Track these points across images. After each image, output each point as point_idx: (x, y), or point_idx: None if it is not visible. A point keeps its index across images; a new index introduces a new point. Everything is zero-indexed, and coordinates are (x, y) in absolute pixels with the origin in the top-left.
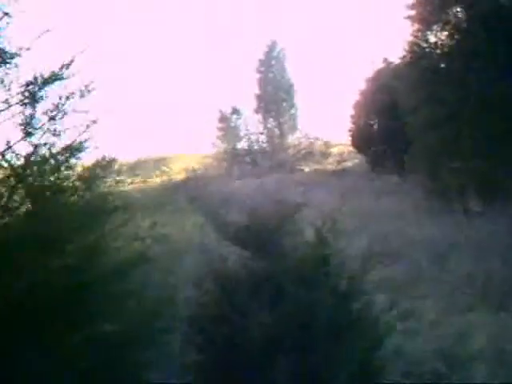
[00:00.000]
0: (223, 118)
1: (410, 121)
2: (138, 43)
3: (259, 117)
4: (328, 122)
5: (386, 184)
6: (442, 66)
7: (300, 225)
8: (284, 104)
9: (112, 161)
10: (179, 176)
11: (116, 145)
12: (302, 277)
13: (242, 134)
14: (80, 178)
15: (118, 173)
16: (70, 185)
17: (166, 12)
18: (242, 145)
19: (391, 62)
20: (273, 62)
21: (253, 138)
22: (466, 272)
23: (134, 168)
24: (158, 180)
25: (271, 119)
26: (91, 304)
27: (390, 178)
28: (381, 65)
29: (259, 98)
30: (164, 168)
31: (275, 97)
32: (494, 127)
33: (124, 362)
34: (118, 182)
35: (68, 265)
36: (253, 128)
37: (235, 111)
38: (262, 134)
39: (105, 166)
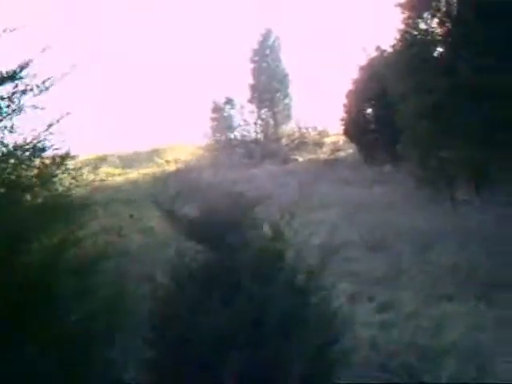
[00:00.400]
0: (216, 109)
1: (399, 109)
2: (131, 35)
3: (253, 107)
4: (323, 111)
5: (377, 174)
6: (432, 54)
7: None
8: (278, 94)
9: (66, 157)
10: (172, 168)
11: (112, 138)
12: (256, 272)
13: (235, 124)
14: (37, 175)
15: (77, 169)
16: (28, 183)
17: (159, 2)
18: (236, 135)
19: (384, 50)
20: (267, 52)
21: (246, 128)
22: (450, 262)
23: (129, 160)
24: (150, 171)
25: (265, 109)
26: (57, 302)
27: (383, 168)
28: (374, 53)
29: (253, 87)
30: (158, 160)
31: (269, 87)
32: (483, 116)
33: (90, 361)
34: (74, 178)
35: (32, 263)
36: (247, 118)
37: (229, 101)
38: (255, 124)
39: (58, 163)
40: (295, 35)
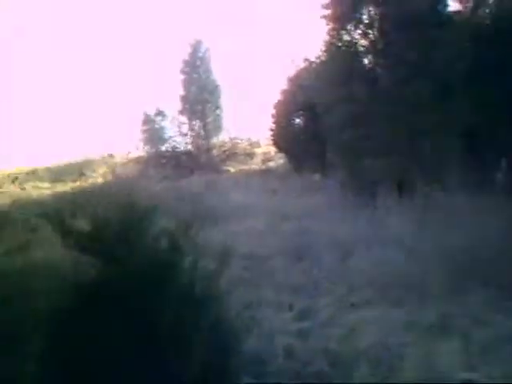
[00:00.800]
0: (147, 120)
1: (325, 119)
2: (61, 45)
3: (184, 118)
4: (255, 121)
5: (306, 183)
6: (356, 65)
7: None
8: (209, 105)
9: None
10: (100, 180)
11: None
12: (143, 284)
13: (166, 135)
14: None
15: None
16: None
17: (91, 12)
18: (167, 147)
19: (312, 62)
20: (198, 63)
21: (177, 139)
22: (368, 268)
23: (59, 173)
24: (78, 185)
25: (197, 120)
26: None
27: (312, 177)
28: (302, 64)
29: (184, 99)
30: (89, 172)
31: (200, 98)
32: (403, 125)
33: None
34: None
35: None
36: (178, 129)
37: (159, 113)
38: (186, 135)
39: None
40: (225, 46)
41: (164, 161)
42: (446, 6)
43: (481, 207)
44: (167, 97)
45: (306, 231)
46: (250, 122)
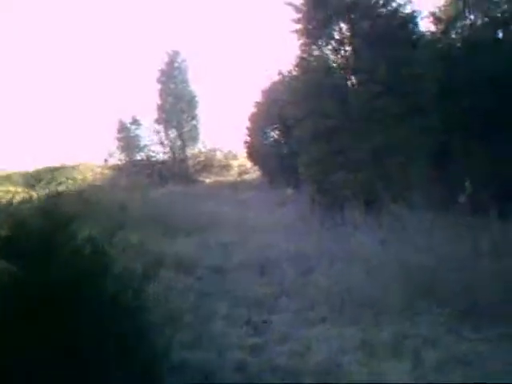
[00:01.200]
0: (122, 128)
1: (296, 133)
2: (39, 49)
3: (160, 127)
4: (232, 133)
5: (279, 197)
6: (326, 80)
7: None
8: (185, 115)
9: None
10: (72, 187)
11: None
12: (62, 295)
13: (141, 144)
14: None
15: None
16: None
17: (73, 17)
18: (142, 155)
19: (285, 75)
20: (175, 73)
21: (152, 148)
22: (329, 285)
23: (33, 178)
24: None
25: (173, 130)
26: None
27: (285, 191)
28: (276, 77)
29: (160, 108)
30: (62, 179)
31: (176, 108)
32: (371, 141)
33: None
34: None
35: None
36: (153, 138)
37: (135, 121)
38: (162, 144)
39: None
40: (202, 57)
41: (138, 169)
42: (416, 25)
43: (445, 226)
44: (143, 106)
45: (272, 245)
46: (227, 134)
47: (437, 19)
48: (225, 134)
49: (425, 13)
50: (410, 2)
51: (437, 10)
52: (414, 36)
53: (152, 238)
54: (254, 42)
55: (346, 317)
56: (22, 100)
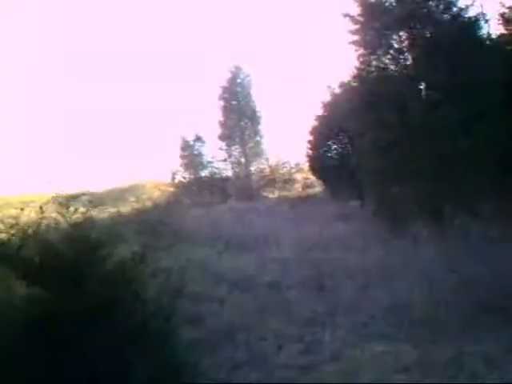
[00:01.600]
0: (186, 146)
1: (357, 146)
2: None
3: (223, 144)
4: (296, 146)
5: (341, 210)
6: (385, 90)
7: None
8: (248, 131)
9: None
10: (139, 205)
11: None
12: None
13: (205, 161)
14: None
15: None
16: None
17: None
18: (206, 173)
19: (345, 87)
20: (237, 89)
21: (216, 165)
22: (387, 300)
23: (101, 198)
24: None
25: (236, 146)
26: None
27: (348, 204)
28: (337, 90)
29: (223, 125)
30: (130, 198)
31: (239, 124)
32: (435, 151)
33: None
34: None
35: None
36: (217, 155)
37: (198, 139)
38: (225, 161)
39: None
40: (267, 71)
41: (202, 187)
42: (480, 28)
43: None
44: (206, 123)
45: (330, 260)
46: (292, 147)
47: (507, 21)
48: (288, 147)
49: (492, 15)
50: (473, 5)
51: (507, 11)
52: (478, 40)
53: (211, 254)
54: (314, 54)
55: (403, 334)
56: (87, 121)
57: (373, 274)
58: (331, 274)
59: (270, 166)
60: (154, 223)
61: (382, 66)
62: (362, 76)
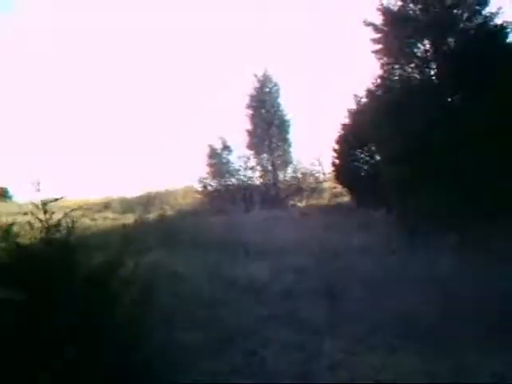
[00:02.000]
0: (213, 154)
1: (380, 154)
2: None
3: (251, 153)
4: (324, 155)
5: (364, 219)
6: (408, 99)
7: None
8: (276, 139)
9: None
10: (163, 212)
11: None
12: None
13: (232, 169)
14: None
15: None
16: None
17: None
18: (233, 181)
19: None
20: (265, 98)
21: (244, 173)
22: (399, 310)
23: (132, 204)
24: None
25: (264, 154)
26: None
27: (373, 214)
28: (364, 98)
29: (251, 133)
30: (160, 204)
31: (267, 132)
32: (458, 161)
33: None
34: None
35: None
36: (244, 164)
37: (226, 147)
38: (252, 169)
39: None
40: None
41: (228, 195)
42: (506, 38)
43: None
44: (233, 131)
45: (348, 269)
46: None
47: None
48: (317, 155)
49: None
50: (498, 13)
51: None
52: (505, 48)
53: (227, 260)
54: (340, 62)
55: (412, 345)
56: (117, 128)
57: (389, 284)
58: (346, 283)
59: (298, 175)
60: (174, 229)
61: (405, 74)
62: (385, 85)
